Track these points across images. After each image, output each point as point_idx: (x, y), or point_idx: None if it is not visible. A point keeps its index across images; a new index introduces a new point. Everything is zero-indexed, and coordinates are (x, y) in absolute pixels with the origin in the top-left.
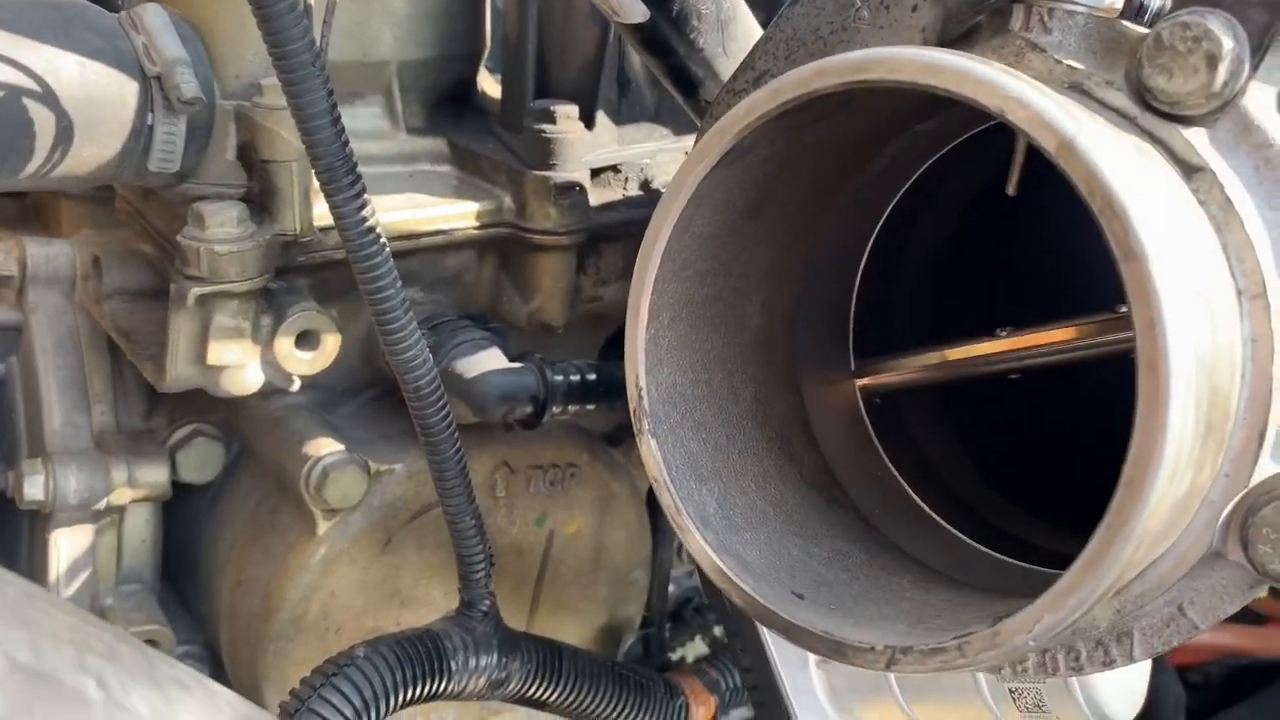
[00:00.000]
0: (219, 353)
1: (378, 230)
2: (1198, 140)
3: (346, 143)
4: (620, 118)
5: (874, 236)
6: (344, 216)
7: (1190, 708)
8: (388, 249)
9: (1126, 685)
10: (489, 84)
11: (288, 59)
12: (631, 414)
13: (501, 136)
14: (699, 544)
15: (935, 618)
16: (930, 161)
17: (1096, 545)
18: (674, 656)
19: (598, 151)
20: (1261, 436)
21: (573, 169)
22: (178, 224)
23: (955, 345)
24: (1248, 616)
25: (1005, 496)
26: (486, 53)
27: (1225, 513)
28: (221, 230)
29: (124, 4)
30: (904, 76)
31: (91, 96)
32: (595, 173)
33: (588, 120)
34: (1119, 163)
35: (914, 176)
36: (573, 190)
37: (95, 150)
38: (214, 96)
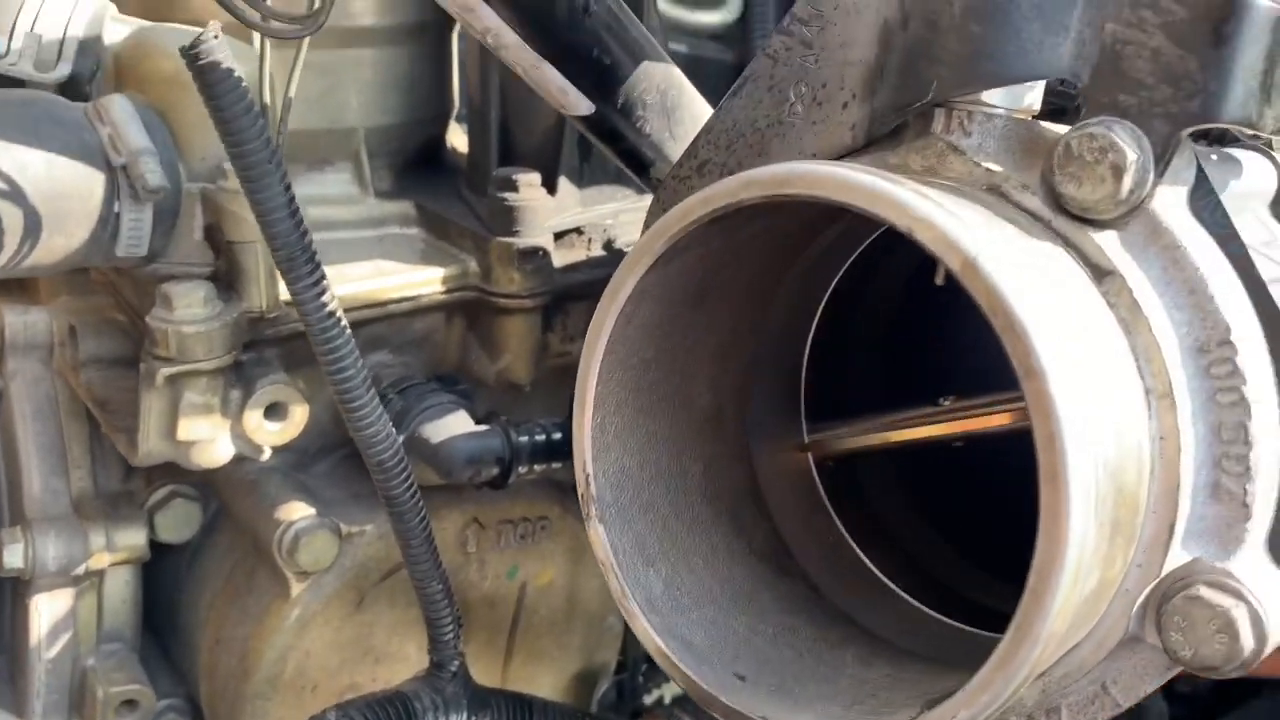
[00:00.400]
0: (189, 429)
1: (338, 314)
2: (1108, 243)
3: (306, 233)
4: (583, 180)
5: (821, 307)
6: (305, 302)
7: (1178, 718)
8: (348, 330)
9: None
10: (459, 138)
11: (245, 158)
12: (579, 499)
13: (468, 199)
14: (643, 628)
15: (870, 697)
16: (872, 237)
17: (1006, 647)
18: (650, 699)
19: (561, 215)
20: (1171, 528)
21: (536, 234)
22: (148, 301)
23: (898, 421)
24: None
25: (963, 557)
26: (455, 112)
27: (1140, 601)
28: (189, 311)
29: (92, 93)
30: (820, 193)
31: (59, 190)
32: (559, 235)
33: (550, 185)
34: (1021, 282)
35: (856, 252)
36: (536, 255)
37: (63, 240)
38: (180, 180)
